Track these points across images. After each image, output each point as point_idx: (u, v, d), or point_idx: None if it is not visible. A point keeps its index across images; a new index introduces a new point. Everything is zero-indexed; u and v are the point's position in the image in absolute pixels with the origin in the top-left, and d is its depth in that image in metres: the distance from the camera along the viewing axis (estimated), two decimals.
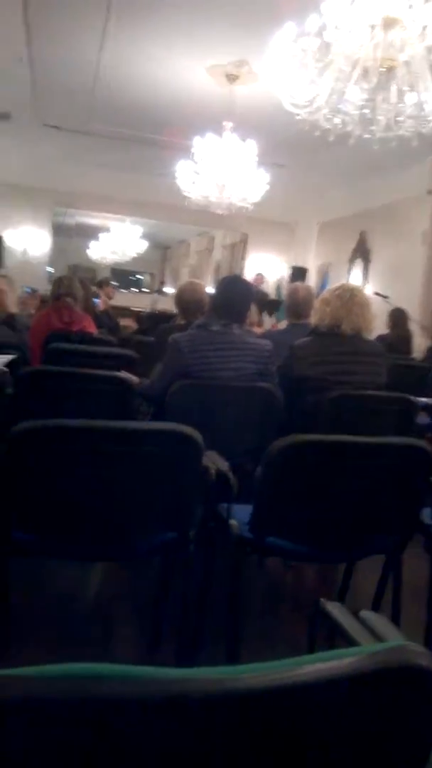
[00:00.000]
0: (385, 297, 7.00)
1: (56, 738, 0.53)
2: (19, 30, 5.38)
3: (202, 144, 6.16)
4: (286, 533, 1.84)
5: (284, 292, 10.47)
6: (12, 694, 0.52)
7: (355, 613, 1.08)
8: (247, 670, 0.55)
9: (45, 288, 7.18)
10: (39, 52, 5.89)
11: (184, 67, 5.93)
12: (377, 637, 0.98)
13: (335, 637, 1.08)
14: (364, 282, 9.18)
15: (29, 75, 6.42)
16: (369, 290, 8.75)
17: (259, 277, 10.27)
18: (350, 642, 0.97)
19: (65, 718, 0.53)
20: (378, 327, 5.64)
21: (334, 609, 1.06)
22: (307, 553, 1.89)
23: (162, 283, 16.57)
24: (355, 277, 9.37)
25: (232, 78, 5.97)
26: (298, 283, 4.41)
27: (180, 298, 3.53)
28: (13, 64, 6.07)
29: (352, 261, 9.52)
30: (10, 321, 2.96)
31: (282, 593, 2.80)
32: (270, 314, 9.26)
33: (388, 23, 3.52)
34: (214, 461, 1.96)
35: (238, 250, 12.65)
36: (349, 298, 2.78)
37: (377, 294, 7.42)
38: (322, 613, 1.11)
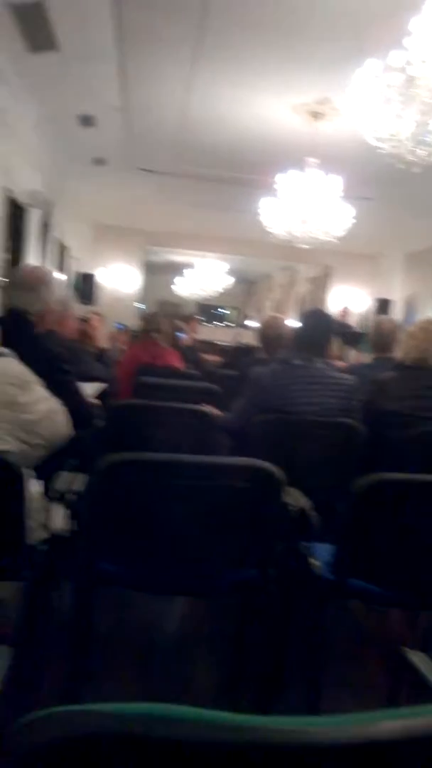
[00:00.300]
0: None
1: None
2: (114, 80, 5.70)
3: (285, 180, 6.24)
4: (370, 576, 1.78)
5: (369, 324, 10.32)
6: (85, 730, 0.53)
7: None
8: (317, 722, 0.54)
9: (134, 323, 7.43)
10: (131, 100, 6.20)
11: (268, 107, 6.06)
12: None
13: (420, 689, 1.04)
14: None
15: (123, 122, 6.77)
16: None
17: (345, 310, 10.12)
18: None
19: (135, 757, 0.54)
20: None
21: (417, 658, 1.02)
22: (392, 597, 1.82)
23: (246, 317, 16.72)
24: None
25: (316, 115, 6.05)
26: (383, 317, 4.35)
27: (262, 333, 3.56)
28: (109, 113, 6.42)
29: None
30: (100, 355, 3.08)
31: (365, 636, 2.69)
32: (354, 348, 9.11)
33: None
34: (296, 498, 1.94)
35: (321, 283, 12.61)
36: None
37: None
38: (405, 662, 1.07)
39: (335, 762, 0.53)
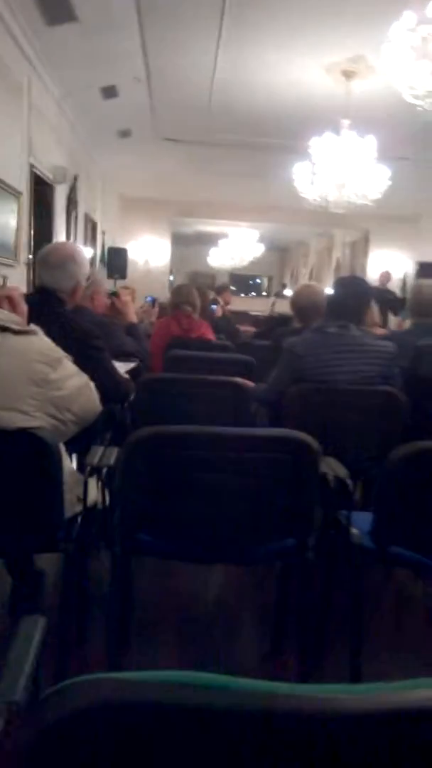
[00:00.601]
0: None
1: (150, 741, 0.54)
2: (136, 50, 5.61)
3: (319, 144, 6.08)
4: (410, 543, 1.75)
5: (409, 289, 10.07)
6: (121, 697, 0.54)
7: None
8: (348, 690, 0.53)
9: (166, 296, 7.43)
10: (155, 69, 6.10)
11: (299, 68, 5.89)
12: None
13: None
14: None
15: (147, 92, 6.67)
16: None
17: (386, 275, 9.83)
18: None
19: (163, 723, 0.54)
20: None
21: None
22: None
23: (284, 286, 16.53)
24: None
25: (349, 74, 5.85)
26: (422, 281, 4.21)
27: (296, 302, 3.50)
28: (132, 84, 6.33)
29: None
30: (132, 330, 3.08)
31: (410, 604, 2.68)
32: (395, 314, 8.93)
33: None
34: (333, 468, 1.92)
35: (359, 247, 12.36)
36: None
37: None
38: None
39: (365, 729, 0.52)
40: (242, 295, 16.92)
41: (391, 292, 9.14)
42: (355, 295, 2.67)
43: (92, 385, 1.82)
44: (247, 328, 6.91)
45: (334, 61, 5.66)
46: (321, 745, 0.52)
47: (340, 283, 2.78)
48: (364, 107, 6.05)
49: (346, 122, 6.07)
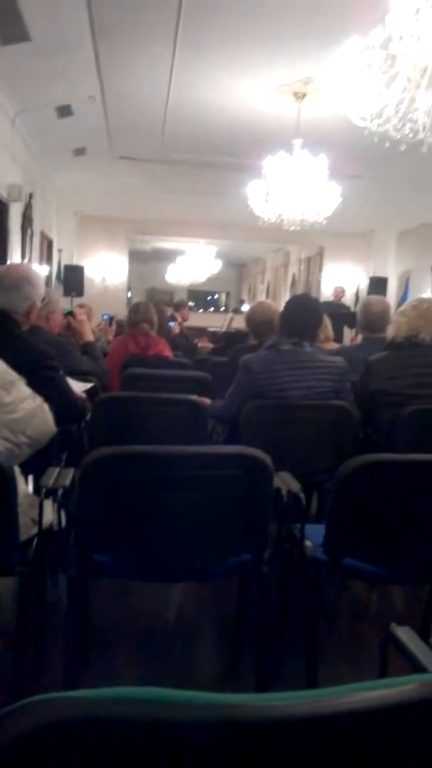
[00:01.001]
0: None
1: (108, 757, 0.55)
2: (91, 70, 5.64)
3: (272, 163, 6.21)
4: (362, 554, 1.80)
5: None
6: (72, 714, 0.55)
7: (428, 639, 1.05)
8: (291, 697, 0.56)
9: (124, 313, 7.43)
10: (110, 89, 6.14)
11: (251, 89, 6.01)
12: None
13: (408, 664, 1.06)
14: None
15: (102, 111, 6.71)
16: None
17: (339, 291, 10.04)
18: (418, 669, 0.94)
19: (119, 739, 0.56)
20: None
21: (404, 634, 1.04)
22: (384, 574, 1.85)
23: (242, 302, 16.68)
24: None
25: (299, 96, 6.00)
26: (372, 297, 4.34)
27: (250, 319, 3.56)
28: (87, 103, 6.36)
29: None
30: (88, 349, 3.08)
31: (366, 615, 2.73)
32: (351, 327, 9.13)
33: None
34: (287, 482, 1.96)
35: (314, 263, 12.58)
36: (427, 308, 2.73)
37: None
38: (393, 638, 1.08)
39: (298, 734, 0.55)
40: (200, 310, 17.02)
41: (345, 307, 9.33)
42: (307, 313, 2.73)
43: (46, 407, 1.82)
44: (206, 344, 6.97)
45: (285, 83, 5.81)
46: (274, 752, 0.55)
47: (292, 302, 2.84)
48: (315, 127, 6.21)
49: (298, 142, 6.21)
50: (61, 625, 1.91)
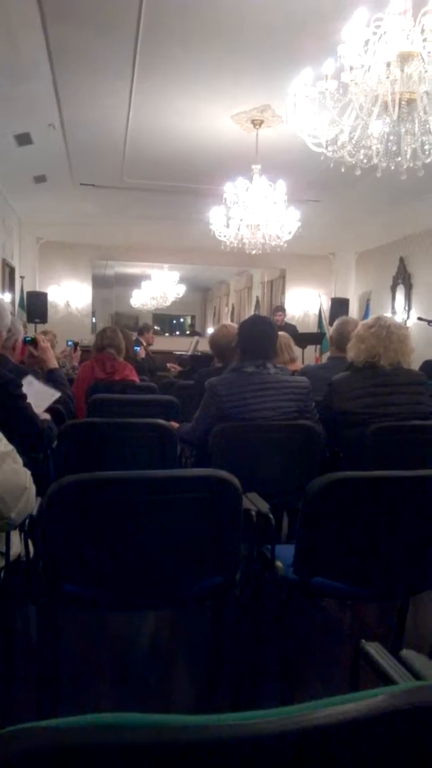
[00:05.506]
0: (429, 322, 6.92)
1: None
2: (50, 97, 5.68)
3: (232, 188, 6.31)
4: (331, 573, 1.82)
5: (326, 324, 10.43)
6: (43, 744, 0.55)
7: (397, 653, 1.07)
8: (261, 715, 0.57)
9: (89, 339, 7.39)
10: (69, 116, 6.18)
11: (209, 116, 6.12)
12: (417, 677, 0.97)
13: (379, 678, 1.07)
14: (406, 307, 9.11)
15: (62, 138, 6.74)
16: (413, 316, 8.67)
17: (279, 314, 9.61)
18: (388, 682, 0.96)
19: (91, 767, 0.56)
20: (425, 353, 5.57)
21: (373, 649, 1.05)
22: (353, 592, 1.87)
23: (204, 325, 16.77)
24: (398, 303, 9.32)
25: (257, 123, 6.14)
26: (348, 317, 4.41)
27: (214, 342, 3.59)
28: (46, 130, 6.39)
29: (394, 288, 9.48)
30: (53, 375, 3.06)
31: (339, 631, 2.74)
32: (315, 346, 9.25)
33: (405, 58, 3.58)
34: (255, 503, 1.97)
35: (277, 286, 12.75)
36: (386, 335, 2.74)
37: (420, 319, 7.35)
38: (364, 653, 1.10)
39: (270, 752, 0.56)
40: (166, 334, 17.04)
41: (292, 327, 9.18)
42: (263, 333, 2.76)
43: (18, 458, 1.71)
44: (174, 366, 7.00)
45: (243, 110, 5.94)
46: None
47: (243, 327, 2.83)
48: (273, 153, 6.35)
49: (257, 167, 6.34)
50: (33, 657, 1.87)
